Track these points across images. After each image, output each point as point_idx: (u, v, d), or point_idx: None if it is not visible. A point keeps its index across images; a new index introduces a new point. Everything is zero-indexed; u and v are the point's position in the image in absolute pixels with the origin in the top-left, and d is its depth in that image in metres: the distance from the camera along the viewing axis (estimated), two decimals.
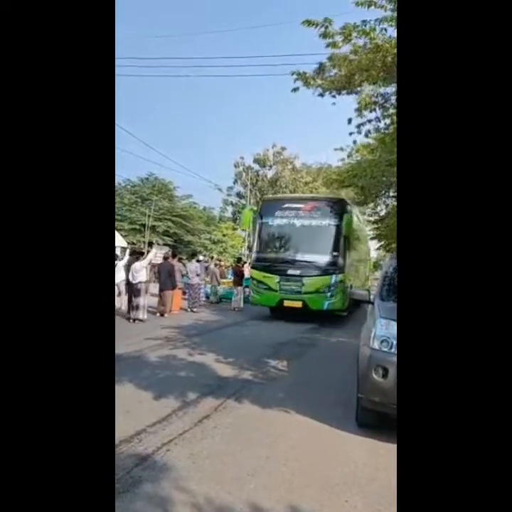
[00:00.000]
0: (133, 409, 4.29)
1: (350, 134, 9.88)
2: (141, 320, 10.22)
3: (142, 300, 10.35)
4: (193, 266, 13.48)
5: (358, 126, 9.36)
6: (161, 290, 11.56)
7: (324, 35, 6.93)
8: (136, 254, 11.47)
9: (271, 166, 41.78)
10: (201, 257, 17.83)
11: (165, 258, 12.38)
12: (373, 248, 30.80)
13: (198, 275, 13.33)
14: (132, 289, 10.42)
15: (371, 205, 16.83)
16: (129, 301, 10.54)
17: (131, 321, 10.25)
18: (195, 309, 12.83)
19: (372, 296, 5.33)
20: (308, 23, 6.84)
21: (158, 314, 11.41)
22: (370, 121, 9.16)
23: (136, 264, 10.59)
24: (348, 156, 13.38)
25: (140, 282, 10.40)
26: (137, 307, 10.29)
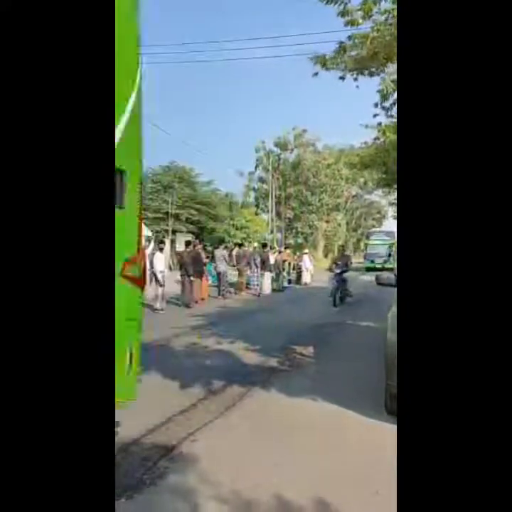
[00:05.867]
0: (159, 398, 4.29)
1: (375, 116, 9.54)
2: (158, 310, 10.08)
3: (161, 289, 10.26)
4: (220, 253, 13.36)
5: (380, 106, 9.02)
6: (189, 277, 11.18)
7: (343, 14, 6.67)
8: (160, 244, 11.34)
9: (292, 150, 41.39)
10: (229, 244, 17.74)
11: (194, 245, 12.26)
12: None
13: (225, 261, 13.21)
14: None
15: (395, 186, 16.55)
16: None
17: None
18: (224, 296, 12.76)
19: None
20: (327, 0, 6.61)
21: (182, 304, 11.14)
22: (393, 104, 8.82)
23: (158, 254, 10.56)
24: (375, 139, 12.96)
25: (160, 271, 10.33)
26: (156, 297, 10.23)
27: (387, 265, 29.30)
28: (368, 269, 31.20)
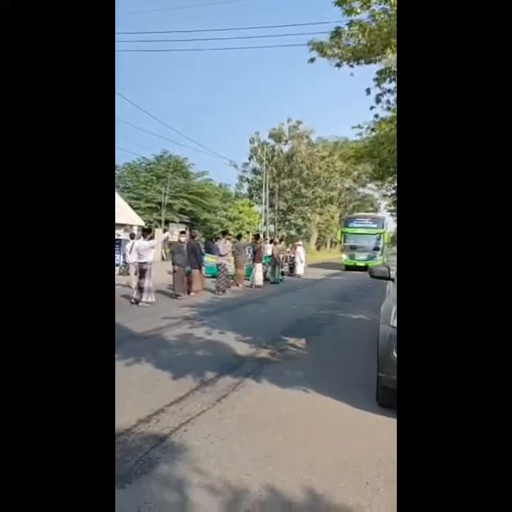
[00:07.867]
0: (151, 388, 4.29)
1: (371, 107, 9.57)
2: (147, 303, 9.53)
3: (148, 282, 9.62)
4: (221, 244, 12.81)
5: (378, 96, 9.01)
6: (184, 268, 10.87)
7: (340, 2, 6.63)
8: (145, 233, 10.54)
9: (286, 141, 41.26)
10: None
11: (192, 236, 12.05)
12: (392, 221, 30.78)
13: (225, 254, 12.75)
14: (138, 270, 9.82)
15: (389, 179, 16.57)
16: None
17: (132, 301, 9.60)
18: (224, 290, 12.11)
19: (392, 272, 5.20)
20: None
21: (176, 296, 10.70)
22: (389, 91, 8.83)
23: (143, 243, 9.90)
24: (372, 130, 12.87)
25: (146, 262, 9.71)
26: (142, 289, 9.61)
27: (374, 262, 21.77)
28: (347, 268, 23.92)
